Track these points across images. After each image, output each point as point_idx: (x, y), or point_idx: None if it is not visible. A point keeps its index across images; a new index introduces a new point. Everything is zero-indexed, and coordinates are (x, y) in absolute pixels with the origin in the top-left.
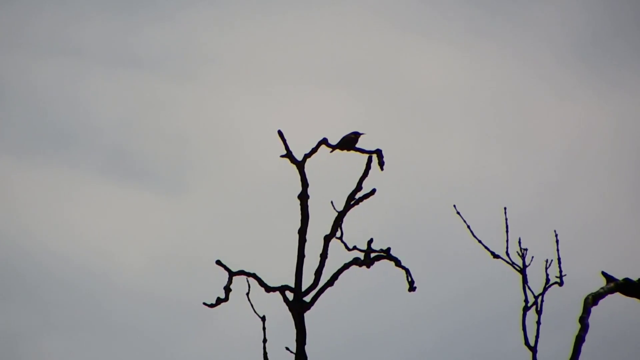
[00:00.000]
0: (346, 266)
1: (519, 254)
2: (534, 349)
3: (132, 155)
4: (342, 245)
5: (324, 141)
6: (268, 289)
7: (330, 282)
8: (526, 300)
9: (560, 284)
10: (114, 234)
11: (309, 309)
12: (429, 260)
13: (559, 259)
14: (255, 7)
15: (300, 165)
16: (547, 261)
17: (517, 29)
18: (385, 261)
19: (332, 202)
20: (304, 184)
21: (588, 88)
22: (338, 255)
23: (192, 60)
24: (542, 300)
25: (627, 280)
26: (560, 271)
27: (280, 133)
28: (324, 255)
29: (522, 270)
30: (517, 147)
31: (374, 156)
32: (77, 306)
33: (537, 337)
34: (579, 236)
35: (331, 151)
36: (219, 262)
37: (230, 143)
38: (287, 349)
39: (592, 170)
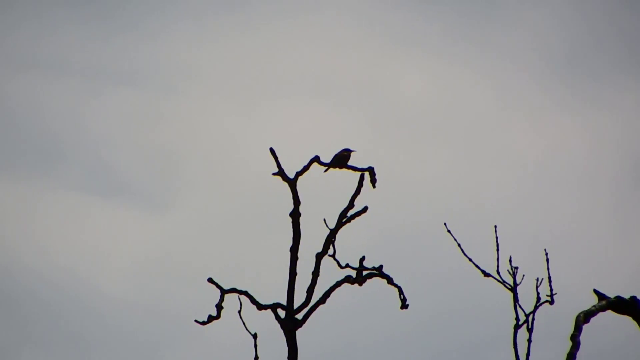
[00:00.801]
0: (338, 284)
1: (509, 273)
2: None
3: (117, 170)
4: (335, 263)
5: (316, 159)
6: (260, 306)
7: (322, 300)
8: (517, 319)
9: (551, 302)
10: (98, 249)
11: (300, 326)
12: (420, 278)
13: (549, 277)
14: (238, 21)
15: (292, 183)
16: (537, 279)
17: (497, 46)
18: (377, 279)
19: (324, 220)
20: (296, 201)
21: (567, 103)
22: (330, 273)
23: (176, 75)
24: (533, 319)
25: (618, 298)
26: (551, 289)
27: (272, 151)
28: (315, 273)
29: (513, 289)
30: (500, 164)
31: (366, 174)
32: (59, 321)
33: (528, 355)
34: (570, 254)
35: (325, 170)
36: (210, 280)
37: (217, 158)
38: None
39: (576, 186)
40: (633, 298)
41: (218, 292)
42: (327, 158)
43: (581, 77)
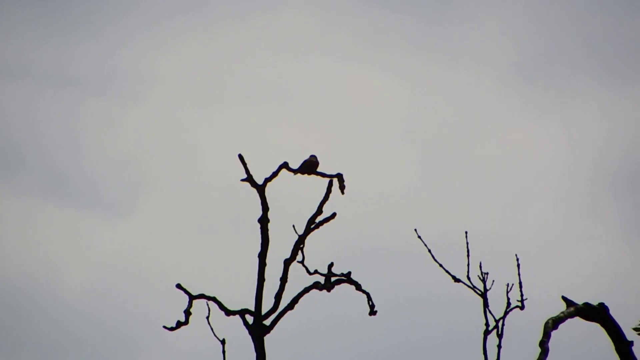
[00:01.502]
0: (306, 290)
1: (480, 278)
2: None
3: (80, 177)
4: (303, 269)
5: (285, 165)
6: (228, 312)
7: (291, 306)
8: (487, 324)
9: (522, 307)
10: (59, 255)
11: (269, 332)
12: (389, 284)
13: (520, 282)
14: (197, 25)
15: (261, 189)
16: (508, 285)
17: (459, 53)
18: (346, 285)
19: (293, 226)
20: (265, 207)
21: (528, 109)
22: (298, 279)
23: (136, 82)
24: (503, 324)
25: (587, 304)
26: (522, 295)
27: (240, 157)
28: (284, 279)
29: (483, 294)
30: (467, 169)
31: (335, 180)
32: (19, 326)
33: None
34: (540, 260)
35: (294, 174)
36: (179, 286)
37: (180, 164)
38: None
39: (543, 191)
40: (601, 305)
41: (185, 297)
42: (290, 165)
43: (544, 83)
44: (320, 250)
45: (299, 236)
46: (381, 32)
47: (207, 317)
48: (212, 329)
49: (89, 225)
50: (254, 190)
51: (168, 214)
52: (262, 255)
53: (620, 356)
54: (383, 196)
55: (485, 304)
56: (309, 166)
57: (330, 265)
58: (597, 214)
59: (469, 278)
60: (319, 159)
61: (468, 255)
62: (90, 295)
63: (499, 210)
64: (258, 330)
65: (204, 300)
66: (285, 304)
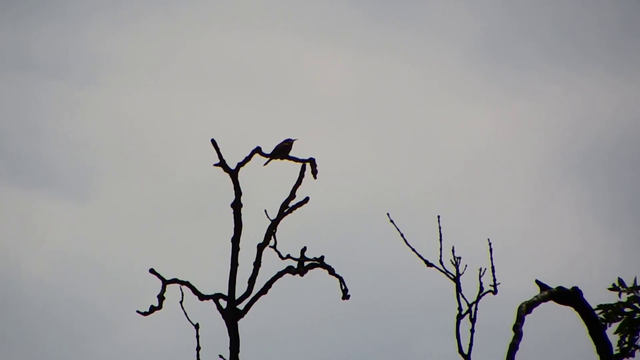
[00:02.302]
0: (280, 274)
1: (452, 263)
2: (467, 357)
3: (41, 160)
4: (276, 253)
5: (258, 150)
6: (202, 297)
7: (264, 290)
8: (460, 309)
9: (494, 292)
10: (16, 240)
11: (242, 316)
12: (362, 269)
13: (492, 267)
14: (153, 9)
15: (233, 174)
16: (480, 269)
17: (419, 35)
18: (318, 269)
19: (265, 211)
20: (237, 192)
21: (492, 91)
22: (272, 263)
23: (95, 64)
24: (476, 309)
25: (560, 288)
26: (494, 279)
27: (213, 142)
28: (257, 264)
29: (456, 279)
30: (431, 150)
31: (307, 164)
32: None
33: (470, 345)
34: (512, 244)
35: (265, 163)
36: (152, 271)
37: (136, 147)
38: (221, 357)
39: (511, 175)
40: (574, 289)
41: (156, 282)
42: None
43: (510, 61)
44: (293, 235)
45: (272, 221)
46: (344, 7)
47: (181, 302)
48: (185, 314)
49: (53, 209)
50: (226, 174)
51: (132, 198)
52: (235, 240)
53: (593, 339)
54: (347, 179)
55: (458, 289)
56: (281, 150)
57: (303, 250)
58: (565, 196)
59: (441, 262)
60: (295, 141)
61: (440, 240)
62: (47, 281)
63: (466, 191)
64: (232, 315)
65: (177, 285)
66: (259, 289)
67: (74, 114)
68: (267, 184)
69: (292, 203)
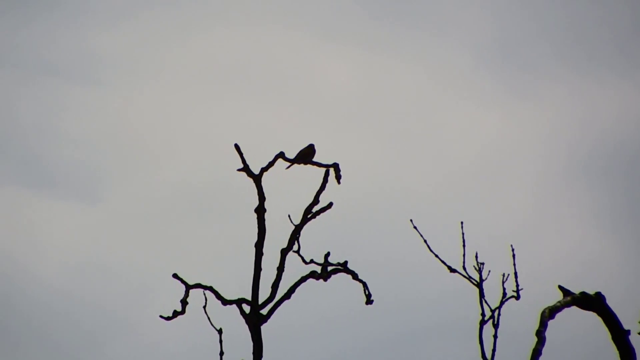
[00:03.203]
0: (303, 279)
1: (475, 268)
2: None
3: (43, 162)
4: (299, 258)
5: (281, 155)
6: (225, 301)
7: (287, 295)
8: (483, 314)
9: (517, 297)
10: (25, 243)
11: (265, 321)
12: (386, 274)
13: (515, 272)
14: (162, 9)
15: (257, 179)
16: (504, 275)
17: (430, 32)
18: (342, 275)
19: (289, 216)
20: (261, 197)
21: (498, 93)
22: (295, 268)
23: (97, 63)
24: (499, 314)
25: (583, 293)
26: (517, 285)
27: (237, 147)
28: (280, 269)
29: (479, 284)
30: (438, 153)
31: (331, 170)
32: None
33: (494, 350)
34: (536, 249)
35: (288, 166)
36: (175, 276)
37: (144, 147)
38: None
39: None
40: (598, 294)
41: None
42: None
43: (519, 64)
44: (317, 240)
45: (296, 226)
46: (352, 6)
47: (204, 307)
48: (209, 319)
49: (65, 210)
50: (242, 178)
51: (141, 200)
52: (259, 245)
53: (617, 345)
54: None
55: (481, 294)
56: (305, 155)
57: (327, 255)
58: (570, 200)
59: (464, 268)
60: (315, 148)
61: (464, 245)
62: (58, 284)
63: (470, 193)
64: (255, 320)
65: (200, 290)
66: (282, 294)
67: (80, 115)
68: (289, 189)
69: (315, 208)
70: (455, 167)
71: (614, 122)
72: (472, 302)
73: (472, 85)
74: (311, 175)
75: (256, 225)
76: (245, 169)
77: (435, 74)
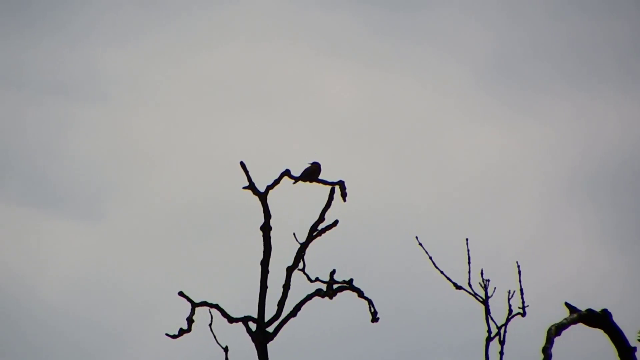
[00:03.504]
0: (309, 297)
1: (481, 285)
2: None
3: (46, 180)
4: (305, 276)
5: (287, 172)
6: (231, 319)
7: (293, 313)
8: (489, 331)
9: (523, 314)
10: (28, 261)
11: (272, 339)
12: (391, 292)
13: (521, 289)
14: (165, 28)
15: (262, 197)
16: (509, 292)
17: (432, 49)
18: (348, 292)
19: (294, 234)
20: (267, 215)
21: (501, 110)
22: (301, 286)
23: (101, 83)
24: (505, 331)
25: (589, 311)
26: (523, 302)
27: (242, 165)
28: (286, 286)
29: (485, 301)
30: (439, 170)
31: (337, 187)
32: None
33: None
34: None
35: (294, 182)
36: (181, 294)
37: (147, 166)
38: None
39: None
40: (604, 311)
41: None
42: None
43: (521, 80)
44: (323, 258)
45: (301, 244)
46: (354, 23)
47: (210, 325)
48: (214, 337)
49: (66, 229)
50: (248, 196)
51: (144, 219)
52: (265, 263)
53: None
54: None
55: (487, 311)
56: (311, 173)
57: (332, 273)
58: (574, 217)
59: (470, 285)
60: (320, 166)
61: (469, 263)
62: (59, 302)
63: (473, 210)
64: (261, 337)
65: (206, 308)
66: (288, 311)
67: (86, 133)
68: (295, 207)
69: (321, 226)
70: (458, 183)
71: (618, 140)
72: (478, 319)
73: (473, 102)
74: (317, 192)
75: (262, 243)
76: (251, 186)
77: (438, 92)
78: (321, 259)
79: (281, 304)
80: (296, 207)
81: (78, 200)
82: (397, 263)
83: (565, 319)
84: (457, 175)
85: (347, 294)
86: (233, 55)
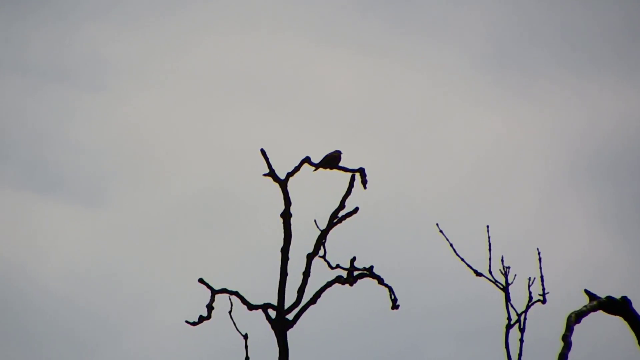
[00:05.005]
0: (329, 284)
1: (501, 272)
2: None
3: (46, 166)
4: (325, 263)
5: (307, 160)
6: (251, 307)
7: (313, 300)
8: (509, 318)
9: (543, 301)
10: (26, 247)
11: (291, 327)
12: (411, 279)
13: (541, 276)
14: (164, 16)
15: (283, 184)
16: (530, 279)
17: (430, 36)
18: (368, 279)
19: (315, 221)
20: (287, 202)
21: (499, 96)
22: (321, 273)
23: (102, 69)
24: (525, 318)
25: (609, 298)
26: (543, 289)
27: (263, 152)
28: (306, 274)
29: (505, 288)
30: (440, 156)
31: (357, 174)
32: None
33: (520, 355)
34: (562, 254)
35: (314, 170)
36: (201, 280)
37: (147, 153)
38: None
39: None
40: (624, 298)
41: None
42: (319, 160)
43: (519, 67)
44: (343, 245)
45: (321, 231)
46: (351, 12)
47: (230, 312)
48: (234, 324)
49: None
50: (277, 185)
51: (143, 206)
52: (285, 250)
53: None
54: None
55: (507, 298)
56: (331, 160)
57: (353, 260)
58: (573, 202)
59: (490, 272)
60: (341, 154)
61: (490, 249)
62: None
63: (473, 196)
64: (280, 325)
65: (226, 296)
66: (308, 299)
67: (84, 120)
68: (314, 194)
69: (341, 213)
70: (454, 168)
71: (617, 124)
72: (498, 306)
73: (473, 89)
74: (335, 180)
75: (282, 230)
76: (272, 174)
77: (436, 79)
78: (341, 246)
79: (301, 291)
80: (316, 194)
81: (79, 187)
82: (417, 250)
83: (585, 306)
84: (461, 163)
85: (367, 281)
86: (236, 46)
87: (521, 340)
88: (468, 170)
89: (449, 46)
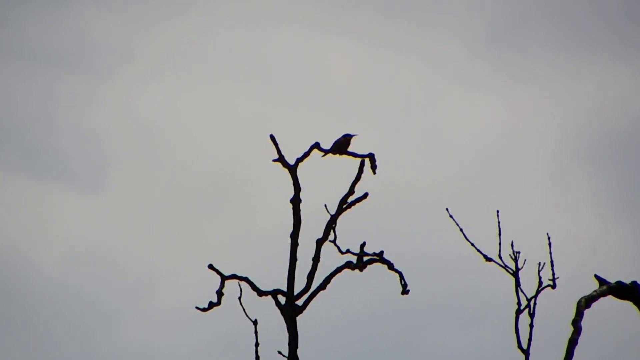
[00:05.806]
0: (339, 270)
1: (511, 257)
2: (526, 352)
3: (50, 152)
4: (335, 248)
5: (317, 145)
6: (260, 292)
7: (323, 286)
8: (519, 303)
9: (553, 286)
10: (29, 232)
11: (301, 312)
12: (422, 264)
13: (551, 261)
14: (170, 4)
15: (292, 170)
16: (539, 264)
17: (426, 23)
18: (378, 264)
19: (325, 206)
20: (297, 188)
21: (498, 81)
22: (331, 258)
23: (106, 56)
24: (535, 303)
25: (619, 283)
26: (553, 274)
27: (272, 137)
28: (316, 259)
29: (515, 273)
30: (437, 141)
31: (367, 160)
32: None
33: (529, 340)
34: (572, 239)
35: (323, 155)
36: (211, 266)
37: (152, 140)
38: (280, 352)
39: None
40: (634, 283)
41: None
42: (329, 146)
43: (516, 51)
44: (353, 230)
45: (331, 216)
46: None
47: (239, 298)
48: (244, 310)
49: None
50: (286, 171)
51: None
52: (294, 235)
53: None
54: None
55: (517, 283)
56: (340, 146)
57: (363, 245)
58: (582, 186)
59: (500, 257)
60: (351, 139)
61: (500, 234)
62: (60, 273)
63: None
64: (290, 311)
65: (235, 281)
66: (318, 284)
67: (89, 106)
68: (324, 180)
69: (351, 198)
70: (456, 155)
71: (619, 106)
72: (508, 292)
73: (471, 75)
74: (345, 165)
75: (292, 216)
76: (281, 159)
77: (434, 65)
78: (351, 232)
79: (311, 276)
80: (325, 180)
81: (80, 172)
82: (427, 235)
83: (595, 291)
84: (469, 148)
85: (378, 266)
86: (234, 31)
87: (531, 326)
88: (476, 155)
89: (445, 32)
